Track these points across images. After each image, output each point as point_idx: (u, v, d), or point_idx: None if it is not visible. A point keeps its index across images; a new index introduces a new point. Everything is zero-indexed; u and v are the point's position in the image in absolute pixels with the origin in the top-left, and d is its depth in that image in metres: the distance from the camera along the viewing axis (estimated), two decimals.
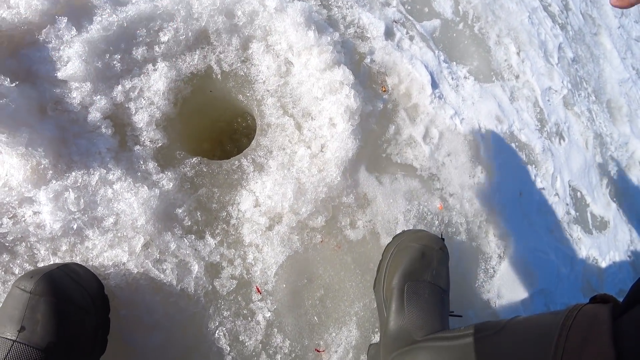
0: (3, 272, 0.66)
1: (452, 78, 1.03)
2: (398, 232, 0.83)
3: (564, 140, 1.21)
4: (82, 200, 0.68)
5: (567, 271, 1.10)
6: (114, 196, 0.70)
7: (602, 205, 1.27)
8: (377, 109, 0.88)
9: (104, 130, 0.74)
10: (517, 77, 1.17)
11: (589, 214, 1.22)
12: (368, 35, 0.96)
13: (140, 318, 0.70)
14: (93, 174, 0.71)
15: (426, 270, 0.76)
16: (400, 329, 0.72)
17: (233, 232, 0.75)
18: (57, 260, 0.67)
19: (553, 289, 1.06)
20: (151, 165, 0.75)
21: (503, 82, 1.13)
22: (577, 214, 1.19)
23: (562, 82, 1.26)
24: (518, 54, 1.19)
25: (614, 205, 1.31)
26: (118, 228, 0.68)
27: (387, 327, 0.74)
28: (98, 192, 0.70)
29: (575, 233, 1.15)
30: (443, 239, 0.81)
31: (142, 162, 0.75)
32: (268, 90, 0.84)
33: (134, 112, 0.77)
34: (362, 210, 0.82)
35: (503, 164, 1.01)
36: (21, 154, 0.67)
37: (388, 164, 0.87)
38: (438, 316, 0.74)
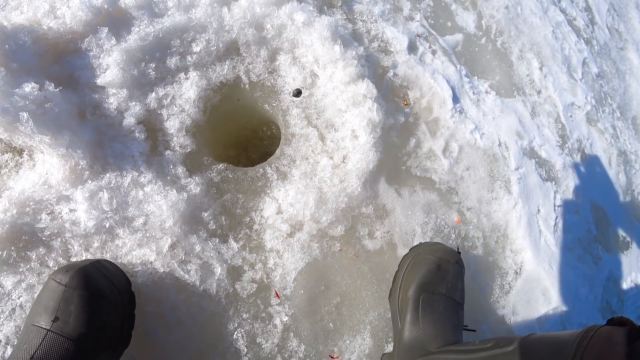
0: (39, 265, 0.70)
1: (474, 93, 1.03)
2: (415, 244, 0.83)
3: (586, 157, 1.19)
4: (114, 200, 0.71)
5: (586, 291, 1.08)
6: (144, 198, 0.73)
7: (625, 224, 1.24)
8: (398, 122, 0.89)
9: (137, 134, 0.78)
10: (539, 92, 1.16)
11: (611, 233, 1.19)
12: (391, 49, 0.97)
13: (163, 315, 0.72)
14: (126, 176, 0.74)
15: (442, 283, 0.77)
16: (414, 340, 0.72)
17: (255, 238, 0.77)
18: (89, 256, 0.71)
19: (570, 309, 1.04)
20: (180, 170, 0.78)
21: (524, 97, 1.12)
22: (599, 232, 1.16)
23: (586, 97, 1.24)
24: (541, 69, 1.18)
25: (637, 225, 1.27)
26: (147, 228, 0.71)
27: (402, 337, 0.74)
28: (130, 193, 0.73)
29: (595, 252, 1.13)
30: (459, 253, 0.81)
31: (171, 167, 0.78)
32: (293, 101, 0.86)
33: (165, 118, 0.80)
34: (380, 221, 0.83)
35: (522, 179, 1.00)
36: (62, 154, 0.71)
37: (407, 176, 0.88)
38: (452, 328, 0.74)
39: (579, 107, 1.22)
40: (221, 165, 0.81)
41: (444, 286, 0.77)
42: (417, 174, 0.88)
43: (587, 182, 1.17)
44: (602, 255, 1.14)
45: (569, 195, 1.11)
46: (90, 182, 0.72)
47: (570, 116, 1.20)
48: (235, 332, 0.74)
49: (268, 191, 0.79)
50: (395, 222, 0.83)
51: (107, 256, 0.71)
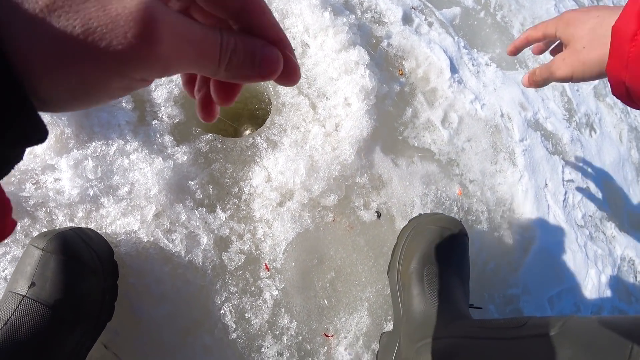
0: (23, 236, 0.66)
1: (473, 64, 0.97)
2: (414, 215, 0.77)
3: (595, 132, 1.11)
4: (99, 168, 0.68)
5: (599, 270, 0.99)
6: (129, 166, 0.69)
7: (639, 202, 1.15)
8: (393, 91, 0.84)
9: (124, 104, 0.75)
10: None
11: (624, 211, 1.10)
12: (385, 20, 0.92)
13: (148, 288, 0.68)
14: (112, 145, 0.71)
15: (445, 254, 0.70)
16: (424, 315, 0.65)
17: (244, 207, 0.72)
18: (73, 226, 0.67)
19: (584, 289, 0.95)
20: (167, 139, 0.74)
21: (527, 70, 1.05)
22: (611, 210, 1.07)
23: None
24: None
25: None
26: (132, 197, 0.67)
27: (409, 314, 0.67)
28: (115, 161, 0.69)
29: (608, 230, 1.04)
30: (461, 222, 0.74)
31: (158, 136, 0.75)
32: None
33: (153, 88, 0.77)
34: (376, 191, 0.77)
35: (527, 152, 0.93)
36: (47, 122, 0.67)
37: (405, 146, 0.82)
38: (461, 302, 0.67)
39: None
40: (209, 136, 0.76)
41: (448, 257, 0.71)
42: (414, 145, 0.83)
43: (597, 157, 1.09)
44: (615, 234, 1.05)
45: (578, 170, 1.03)
46: (75, 150, 0.69)
47: (577, 90, 1.12)
48: (223, 307, 0.69)
49: (257, 160, 0.75)
50: (393, 193, 0.77)
51: (92, 226, 0.67)
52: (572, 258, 0.94)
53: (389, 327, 0.76)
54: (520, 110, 0.96)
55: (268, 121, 0.79)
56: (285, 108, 0.79)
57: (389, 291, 0.75)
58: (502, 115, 0.92)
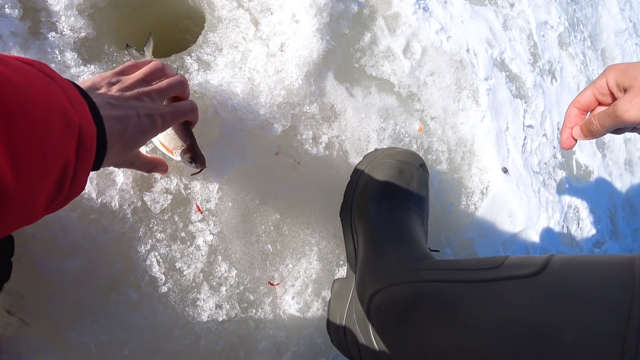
0: None
1: None
2: (370, 150, 0.64)
3: (555, 80, 1.02)
4: None
5: (548, 215, 0.93)
6: None
7: (588, 154, 1.09)
8: (350, 11, 0.67)
9: (8, 10, 0.53)
10: (512, 5, 0.95)
11: (574, 161, 1.04)
12: None
13: (54, 237, 0.52)
14: None
15: (406, 190, 0.58)
16: (382, 258, 0.53)
17: None
18: None
19: (534, 233, 0.89)
20: (70, 56, 0.55)
21: (496, 8, 0.92)
22: (563, 159, 1.01)
23: (560, 18, 1.05)
24: None
25: (599, 155, 1.13)
26: None
27: (366, 256, 0.56)
28: None
29: (559, 178, 0.98)
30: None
31: (57, 52, 0.55)
32: None
33: None
34: (328, 123, 0.62)
35: (491, 91, 0.82)
36: None
37: (361, 75, 0.67)
38: (422, 243, 0.56)
39: (552, 27, 1.03)
40: (127, 56, 0.57)
41: (408, 194, 0.59)
42: (372, 74, 0.68)
43: (556, 106, 1.00)
44: (565, 182, 1.00)
45: (538, 116, 0.94)
46: None
47: (543, 35, 1.00)
48: (149, 257, 0.54)
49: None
50: (347, 125, 0.63)
51: None
52: (527, 203, 0.86)
53: (342, 273, 0.65)
54: (486, 47, 0.83)
55: (200, 39, 0.60)
56: (221, 24, 0.61)
57: (341, 234, 0.64)
58: (468, 51, 0.79)
